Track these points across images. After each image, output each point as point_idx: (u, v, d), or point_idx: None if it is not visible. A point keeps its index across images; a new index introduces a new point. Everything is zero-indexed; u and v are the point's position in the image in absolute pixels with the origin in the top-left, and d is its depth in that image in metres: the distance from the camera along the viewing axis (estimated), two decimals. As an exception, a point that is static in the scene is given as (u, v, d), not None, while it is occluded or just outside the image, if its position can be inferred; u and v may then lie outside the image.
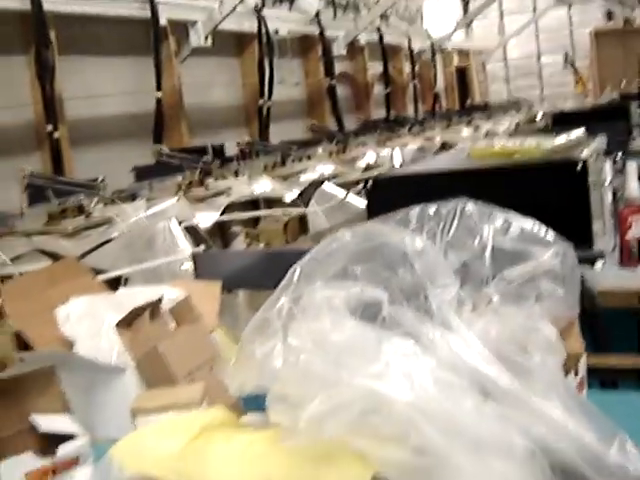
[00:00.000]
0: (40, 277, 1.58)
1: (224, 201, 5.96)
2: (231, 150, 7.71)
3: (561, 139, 2.27)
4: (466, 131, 9.78)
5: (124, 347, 1.35)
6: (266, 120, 9.14)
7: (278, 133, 9.32)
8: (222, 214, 5.68)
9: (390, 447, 0.84)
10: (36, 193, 5.37)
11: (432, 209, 1.14)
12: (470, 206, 1.15)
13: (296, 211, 4.56)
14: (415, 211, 1.14)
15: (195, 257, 1.95)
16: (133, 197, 5.51)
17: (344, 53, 10.73)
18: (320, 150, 8.07)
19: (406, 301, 1.01)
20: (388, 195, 2.21)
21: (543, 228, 1.17)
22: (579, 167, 1.83)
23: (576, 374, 1.18)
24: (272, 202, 6.34)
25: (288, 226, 3.47)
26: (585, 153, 1.94)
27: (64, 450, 1.17)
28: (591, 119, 3.93)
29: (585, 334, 1.50)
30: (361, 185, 2.36)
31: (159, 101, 7.96)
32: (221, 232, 5.85)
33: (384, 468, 0.85)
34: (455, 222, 1.14)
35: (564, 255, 1.15)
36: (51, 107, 6.52)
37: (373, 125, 9.62)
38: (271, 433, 0.95)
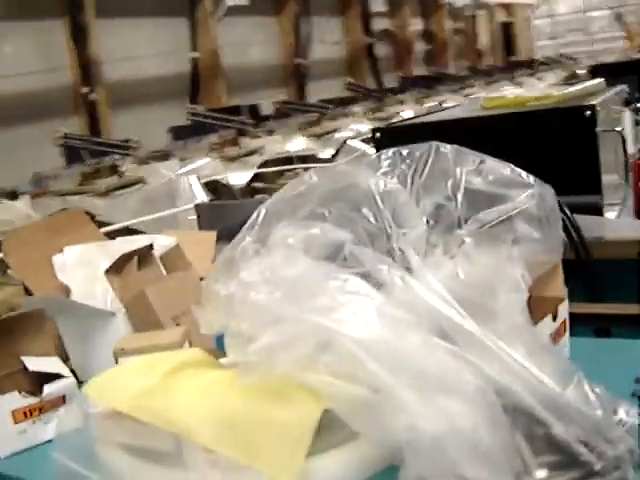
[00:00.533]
0: (43, 227, 1.62)
1: (257, 160, 5.99)
2: (267, 109, 7.72)
3: (576, 88, 2.22)
4: (508, 88, 9.57)
5: (114, 292, 1.38)
6: (304, 79, 9.10)
7: (318, 92, 9.27)
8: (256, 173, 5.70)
9: (338, 382, 0.85)
10: (72, 154, 5.47)
11: (405, 152, 1.13)
12: (445, 149, 1.14)
13: (317, 166, 4.58)
14: (387, 154, 1.14)
15: (198, 208, 1.97)
16: (166, 157, 5.57)
17: (383, 10, 10.58)
18: (357, 108, 8.01)
19: (371, 242, 1.02)
20: (396, 144, 2.20)
21: (520, 171, 1.15)
22: (587, 113, 1.78)
23: (554, 319, 1.17)
24: (306, 160, 6.34)
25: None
26: (595, 100, 1.89)
27: (50, 389, 1.22)
28: (628, 71, 3.81)
29: (580, 282, 1.48)
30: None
31: (195, 61, 7.98)
32: (253, 190, 5.88)
33: (333, 404, 0.86)
34: (429, 165, 1.13)
35: (541, 197, 1.13)
36: (87, 70, 6.61)
37: (412, 82, 9.50)
38: (235, 371, 0.97)
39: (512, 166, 1.15)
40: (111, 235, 2.60)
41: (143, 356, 1.15)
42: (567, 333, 1.23)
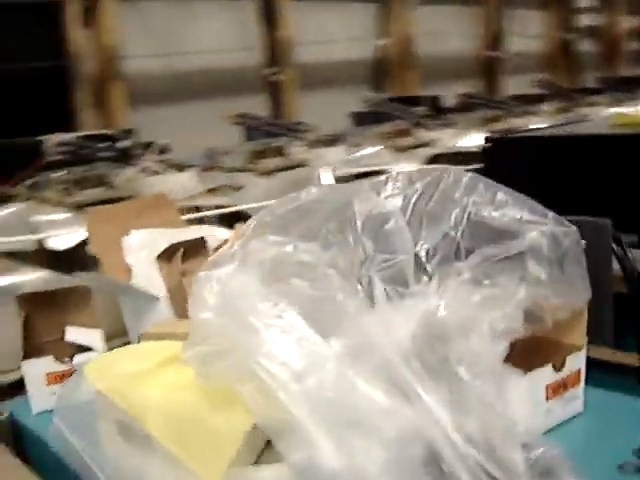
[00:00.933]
0: (126, 208, 1.75)
1: (427, 152, 5.93)
2: (449, 102, 7.62)
3: None
4: None
5: (161, 278, 1.47)
6: (497, 73, 8.85)
7: (511, 86, 8.99)
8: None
9: (262, 400, 0.86)
10: (250, 133, 5.76)
11: (414, 176, 1.11)
12: (459, 176, 1.10)
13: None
14: (396, 177, 1.11)
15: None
16: (333, 141, 5.68)
17: (591, 5, 9.98)
18: (546, 107, 7.69)
19: (350, 268, 1.01)
20: (506, 157, 2.13)
21: (539, 207, 1.08)
22: None
23: (559, 368, 1.09)
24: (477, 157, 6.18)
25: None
26: None
27: (79, 359, 1.33)
28: None
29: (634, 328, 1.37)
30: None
31: (384, 48, 8.02)
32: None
33: (257, 419, 0.88)
34: (437, 192, 1.09)
35: (554, 236, 1.05)
36: (276, 51, 6.88)
37: (613, 84, 8.90)
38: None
39: (532, 201, 1.09)
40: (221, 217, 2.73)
41: (145, 343, 1.22)
42: (581, 385, 1.14)
